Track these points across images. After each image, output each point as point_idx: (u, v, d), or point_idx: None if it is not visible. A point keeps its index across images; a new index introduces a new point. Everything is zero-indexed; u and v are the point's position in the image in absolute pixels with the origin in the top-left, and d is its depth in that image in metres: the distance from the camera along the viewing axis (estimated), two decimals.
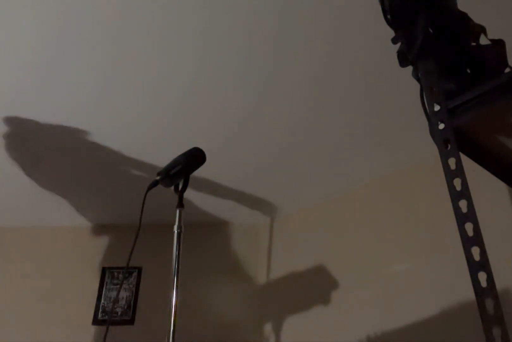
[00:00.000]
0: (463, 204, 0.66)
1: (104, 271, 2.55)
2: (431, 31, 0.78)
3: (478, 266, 0.61)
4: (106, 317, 2.40)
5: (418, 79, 0.80)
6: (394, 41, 0.82)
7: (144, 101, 1.79)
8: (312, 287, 2.35)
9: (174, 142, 1.97)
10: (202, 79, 1.69)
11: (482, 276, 0.60)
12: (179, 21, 1.45)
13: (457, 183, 0.67)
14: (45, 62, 1.59)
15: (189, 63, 1.62)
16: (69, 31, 1.47)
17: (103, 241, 2.64)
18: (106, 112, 1.84)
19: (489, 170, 0.87)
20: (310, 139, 2.04)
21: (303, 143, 2.07)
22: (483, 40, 0.81)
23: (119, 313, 2.43)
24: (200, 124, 1.94)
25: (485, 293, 0.59)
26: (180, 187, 1.51)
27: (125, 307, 2.44)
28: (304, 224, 2.57)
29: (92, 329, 2.36)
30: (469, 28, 0.80)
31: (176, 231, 1.42)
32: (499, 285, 0.60)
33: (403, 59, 0.81)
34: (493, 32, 0.82)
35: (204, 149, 1.54)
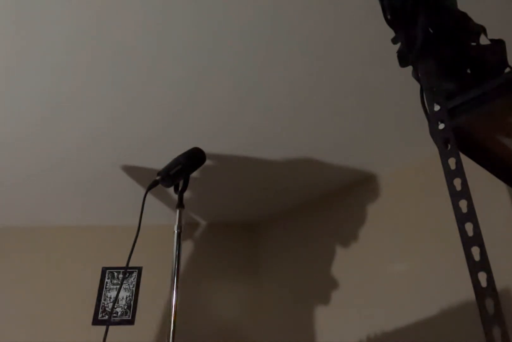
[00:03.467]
0: (463, 204, 0.65)
1: (104, 271, 2.55)
2: (431, 31, 0.78)
3: (478, 266, 0.61)
4: (106, 317, 2.40)
5: (418, 79, 0.80)
6: (394, 41, 0.82)
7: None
8: (312, 287, 2.35)
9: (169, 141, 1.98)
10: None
11: (482, 276, 0.60)
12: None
13: (457, 183, 0.67)
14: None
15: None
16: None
17: (103, 241, 2.64)
18: (105, 111, 1.84)
19: (489, 170, 0.87)
20: (303, 137, 2.05)
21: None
22: (483, 40, 0.81)
23: (119, 313, 2.43)
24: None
25: (485, 293, 0.59)
26: (180, 187, 1.51)
27: (125, 307, 2.44)
28: (304, 223, 2.57)
29: (92, 329, 2.36)
30: (469, 28, 0.80)
31: (176, 231, 1.42)
32: (499, 285, 0.60)
33: (403, 59, 0.81)
34: (493, 32, 0.82)
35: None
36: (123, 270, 2.53)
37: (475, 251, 0.62)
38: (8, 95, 1.73)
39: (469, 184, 0.66)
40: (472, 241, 0.63)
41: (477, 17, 0.82)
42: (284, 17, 1.45)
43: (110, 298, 2.48)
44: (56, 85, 1.69)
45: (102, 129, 1.93)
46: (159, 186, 1.51)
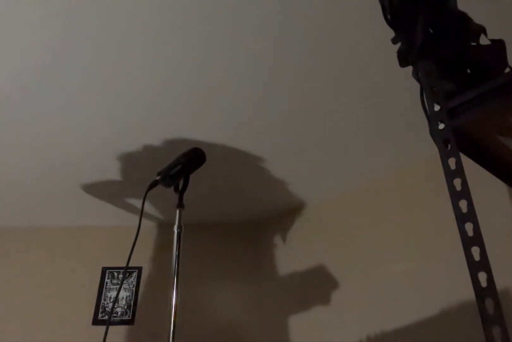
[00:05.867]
0: (463, 204, 0.65)
1: (104, 271, 2.55)
2: (431, 31, 0.78)
3: (478, 266, 0.61)
4: (106, 317, 2.40)
5: (418, 79, 0.80)
6: (394, 41, 0.82)
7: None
8: (312, 287, 2.35)
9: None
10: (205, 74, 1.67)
11: (482, 276, 0.60)
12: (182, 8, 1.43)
13: (457, 183, 0.67)
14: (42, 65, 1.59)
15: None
16: (70, 29, 1.47)
17: (103, 241, 2.64)
18: (106, 109, 1.84)
19: (489, 170, 0.87)
20: (304, 142, 2.05)
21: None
22: (483, 40, 0.81)
23: (119, 313, 2.43)
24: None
25: (485, 293, 0.59)
26: (180, 187, 1.51)
27: (125, 307, 2.44)
28: (305, 224, 2.57)
29: (92, 329, 2.36)
30: (469, 28, 0.80)
31: (176, 231, 1.42)
32: (499, 285, 0.60)
33: (403, 59, 0.81)
34: (493, 32, 0.82)
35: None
36: (123, 270, 2.53)
37: (475, 251, 0.62)
38: (12, 98, 1.74)
39: (469, 184, 0.66)
40: (472, 241, 0.63)
41: (477, 17, 0.82)
42: (290, 21, 1.45)
43: (110, 298, 2.48)
44: (59, 89, 1.69)
45: (103, 129, 1.93)
46: (159, 185, 1.51)
